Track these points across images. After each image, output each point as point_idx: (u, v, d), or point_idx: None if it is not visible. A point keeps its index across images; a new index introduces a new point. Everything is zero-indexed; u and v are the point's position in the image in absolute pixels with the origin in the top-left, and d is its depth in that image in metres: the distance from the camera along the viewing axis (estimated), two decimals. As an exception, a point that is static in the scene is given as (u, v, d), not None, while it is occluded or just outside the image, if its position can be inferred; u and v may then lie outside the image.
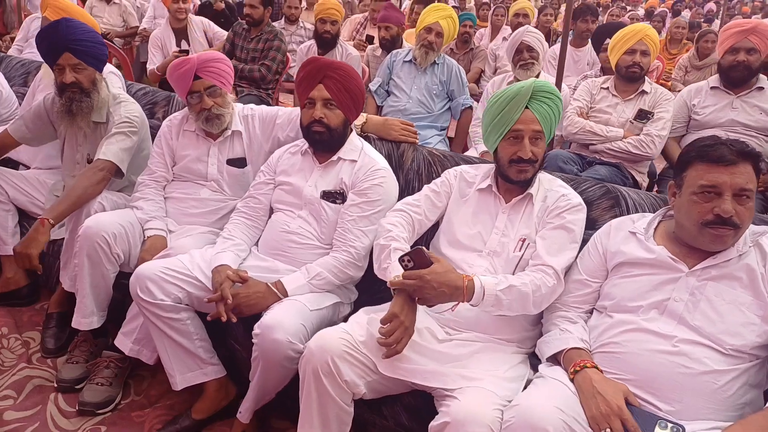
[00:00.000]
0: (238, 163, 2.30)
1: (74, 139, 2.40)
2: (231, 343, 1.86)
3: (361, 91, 1.95)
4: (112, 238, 1.98)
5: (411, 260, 1.45)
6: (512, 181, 1.67)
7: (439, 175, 2.00)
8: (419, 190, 2.02)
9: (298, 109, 2.31)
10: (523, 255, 1.60)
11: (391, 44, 3.82)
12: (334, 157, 1.93)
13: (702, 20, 9.20)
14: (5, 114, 3.01)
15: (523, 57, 3.05)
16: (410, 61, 3.45)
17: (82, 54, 2.23)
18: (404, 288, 1.47)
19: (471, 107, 3.47)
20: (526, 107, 1.64)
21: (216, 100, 2.20)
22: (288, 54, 4.24)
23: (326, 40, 3.66)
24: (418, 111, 3.37)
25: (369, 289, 1.91)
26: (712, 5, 11.64)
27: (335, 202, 1.87)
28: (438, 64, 3.42)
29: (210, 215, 2.24)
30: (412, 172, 2.04)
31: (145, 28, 6.61)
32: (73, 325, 2.01)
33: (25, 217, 2.46)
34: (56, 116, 2.37)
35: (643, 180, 2.80)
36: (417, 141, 2.16)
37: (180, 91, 2.22)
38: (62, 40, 2.20)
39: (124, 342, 1.95)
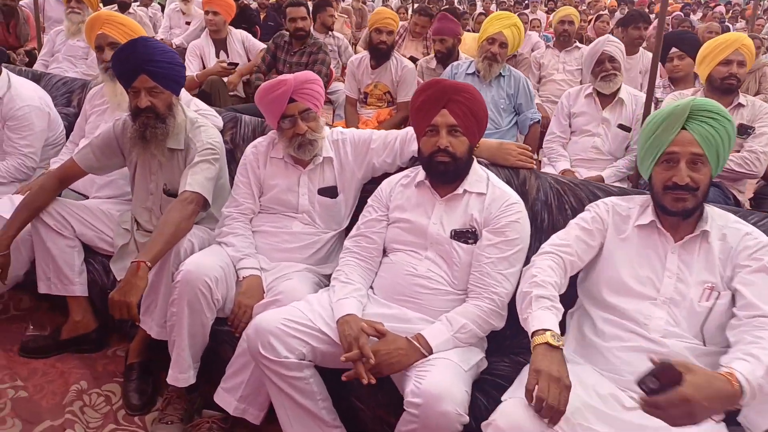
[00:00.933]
0: (330, 192, 2.10)
1: (147, 167, 2.19)
2: (353, 401, 1.67)
3: (486, 114, 1.76)
4: (214, 282, 1.79)
5: (657, 379, 1.16)
6: (669, 211, 1.48)
7: (572, 207, 1.82)
8: (549, 223, 1.85)
9: (394, 132, 2.13)
10: (713, 307, 1.41)
11: (447, 56, 3.64)
12: (459, 190, 1.74)
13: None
14: (51, 137, 2.79)
15: (605, 68, 2.88)
16: (473, 73, 3.27)
17: (159, 76, 2.03)
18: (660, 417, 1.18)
19: (539, 121, 3.30)
20: (683, 128, 1.47)
21: (310, 124, 2.01)
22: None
23: (382, 51, 3.47)
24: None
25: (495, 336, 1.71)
26: (722, 8, 11.59)
27: (468, 242, 1.68)
28: (504, 76, 3.25)
29: (303, 250, 2.05)
30: (539, 203, 1.85)
31: (163, 39, 6.41)
32: (170, 381, 1.81)
33: (90, 253, 2.25)
34: (128, 143, 2.17)
35: (745, 199, 2.64)
36: (534, 166, 1.98)
37: (271, 116, 2.03)
38: (139, 61, 2.00)
39: (227, 399, 1.75)
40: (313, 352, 1.58)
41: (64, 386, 1.99)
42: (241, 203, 2.09)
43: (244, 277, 1.90)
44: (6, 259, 2.05)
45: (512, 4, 11.31)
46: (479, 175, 1.76)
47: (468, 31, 6.49)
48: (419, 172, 1.83)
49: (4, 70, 2.69)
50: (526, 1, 12.05)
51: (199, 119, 2.21)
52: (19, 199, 2.41)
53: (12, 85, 2.67)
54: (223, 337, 1.89)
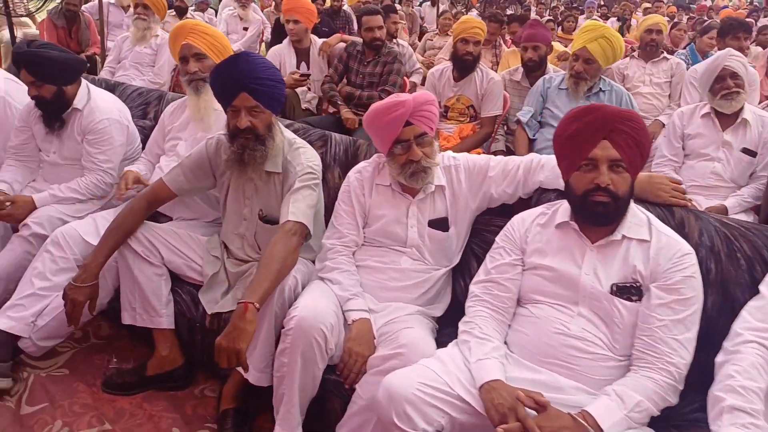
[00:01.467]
0: (441, 224, 1.90)
1: (241, 191, 2.02)
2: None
3: (650, 145, 1.52)
4: (329, 330, 1.60)
5: None
6: None
7: (746, 255, 1.56)
8: (717, 275, 1.59)
9: (515, 159, 1.90)
10: None
11: (538, 67, 3.40)
12: (616, 235, 1.49)
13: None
14: (129, 151, 2.66)
15: (727, 85, 2.59)
16: (566, 89, 3.03)
17: (261, 95, 1.86)
18: None
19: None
20: None
21: (425, 149, 1.80)
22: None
23: (467, 63, 3.25)
24: (584, 146, 2.93)
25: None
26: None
27: (632, 299, 1.44)
28: (604, 91, 2.99)
29: (413, 289, 1.84)
30: (704, 249, 1.59)
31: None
32: (277, 440, 1.62)
33: (177, 282, 2.09)
34: (221, 164, 2.01)
35: None
36: (689, 203, 1.73)
37: (382, 139, 1.83)
38: (242, 78, 1.83)
39: (340, 462, 1.55)
40: (452, 423, 1.36)
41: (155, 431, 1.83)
42: (344, 234, 1.90)
43: (353, 321, 1.71)
44: (95, 289, 1.90)
45: (562, 10, 10.95)
46: (639, 218, 1.52)
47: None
48: (559, 210, 1.60)
49: (83, 81, 2.57)
50: (581, 6, 11.66)
51: (297, 140, 2.03)
52: (102, 220, 2.29)
53: (92, 97, 2.55)
54: (330, 387, 1.70)
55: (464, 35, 3.22)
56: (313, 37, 4.03)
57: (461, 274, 1.97)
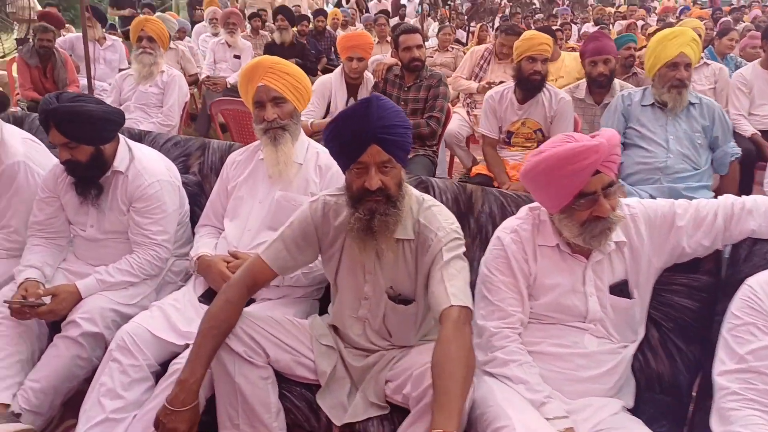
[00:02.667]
0: (622, 290, 1.56)
1: (359, 264, 1.64)
2: None
3: None
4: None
5: None
6: None
7: None
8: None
9: (709, 204, 1.58)
10: None
11: (608, 81, 3.11)
12: None
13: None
14: (181, 215, 2.22)
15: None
16: (652, 105, 2.75)
17: (393, 147, 1.49)
18: None
19: (738, 157, 2.77)
20: None
21: (612, 202, 1.46)
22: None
23: (535, 84, 2.94)
24: (683, 168, 2.65)
25: None
26: (757, 11, 11.20)
27: None
28: (694, 104, 2.72)
29: (607, 378, 1.49)
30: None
31: (208, 76, 5.88)
32: None
33: (282, 383, 1.67)
34: (332, 233, 1.63)
35: None
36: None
37: (560, 194, 1.47)
38: (373, 128, 1.45)
39: None
40: None
41: None
42: (508, 313, 1.53)
43: None
44: (196, 413, 1.48)
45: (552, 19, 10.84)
46: None
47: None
48: None
49: (120, 136, 2.13)
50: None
51: (425, 197, 1.66)
52: (171, 308, 1.85)
53: (134, 155, 2.12)
54: None
55: (531, 53, 2.92)
56: (367, 74, 3.65)
57: (639, 348, 1.62)
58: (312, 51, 7.05)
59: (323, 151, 2.11)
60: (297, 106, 2.06)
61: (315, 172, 2.05)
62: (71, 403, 1.95)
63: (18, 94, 5.24)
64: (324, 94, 3.55)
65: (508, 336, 1.50)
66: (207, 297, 1.94)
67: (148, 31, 3.73)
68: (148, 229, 2.06)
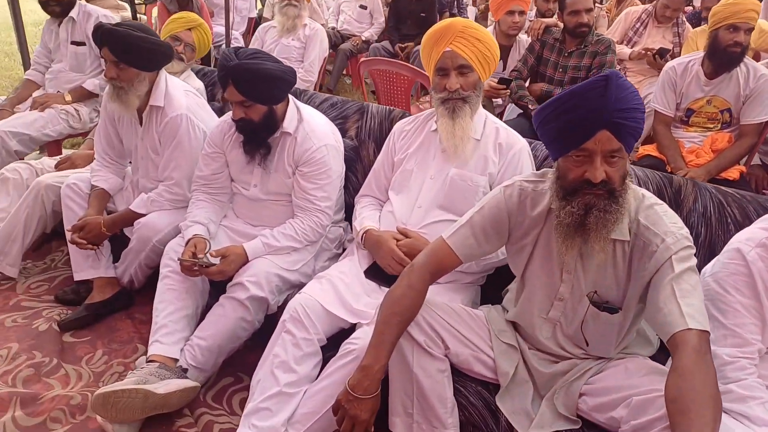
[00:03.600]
0: None
1: (557, 261, 1.45)
2: None
3: None
4: None
5: None
6: None
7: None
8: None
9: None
10: None
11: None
12: None
13: None
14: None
15: None
16: None
17: (625, 133, 1.27)
18: None
19: None
20: None
21: None
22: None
23: (733, 57, 2.53)
24: None
25: None
26: None
27: None
28: None
29: None
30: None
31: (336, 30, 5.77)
32: None
33: (457, 375, 1.56)
34: (527, 223, 1.47)
35: None
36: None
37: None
38: (608, 111, 1.24)
39: None
40: None
41: None
42: (748, 342, 1.32)
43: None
44: (377, 401, 1.40)
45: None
46: None
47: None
48: None
49: (290, 97, 2.06)
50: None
51: (645, 192, 1.43)
52: (339, 281, 1.78)
53: (303, 117, 2.04)
54: None
55: (734, 20, 2.50)
56: (520, 35, 3.35)
57: None
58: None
59: (503, 127, 1.92)
60: (482, 76, 1.87)
61: (494, 150, 1.87)
62: (227, 362, 1.97)
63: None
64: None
65: (745, 368, 1.27)
66: (372, 273, 1.86)
67: (294, -19, 3.65)
68: (312, 194, 1.99)
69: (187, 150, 2.22)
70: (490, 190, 1.84)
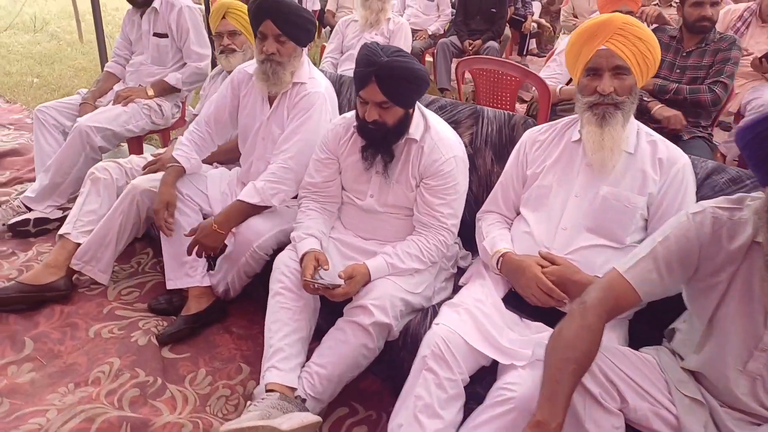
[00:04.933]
0: None
1: (761, 306, 1.24)
2: None
3: None
4: None
5: None
6: None
7: None
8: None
9: None
10: None
11: None
12: None
13: None
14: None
15: None
16: None
17: None
18: None
19: None
20: None
21: None
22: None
23: None
24: None
25: None
26: None
27: None
28: None
29: None
30: None
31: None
32: None
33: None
34: (723, 257, 1.27)
35: None
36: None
37: None
38: None
39: None
40: None
41: None
42: None
43: None
44: None
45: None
46: None
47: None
48: None
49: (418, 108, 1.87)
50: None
51: None
52: (478, 311, 1.60)
53: (429, 124, 1.86)
54: None
55: None
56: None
57: None
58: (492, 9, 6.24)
59: (660, 139, 1.70)
60: (638, 81, 1.65)
61: (653, 167, 1.65)
62: (343, 391, 1.82)
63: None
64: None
65: None
66: (511, 301, 1.67)
67: (380, -29, 3.46)
68: (438, 210, 1.81)
69: (312, 129, 2.09)
70: (648, 212, 1.64)
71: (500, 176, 1.92)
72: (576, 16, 6.02)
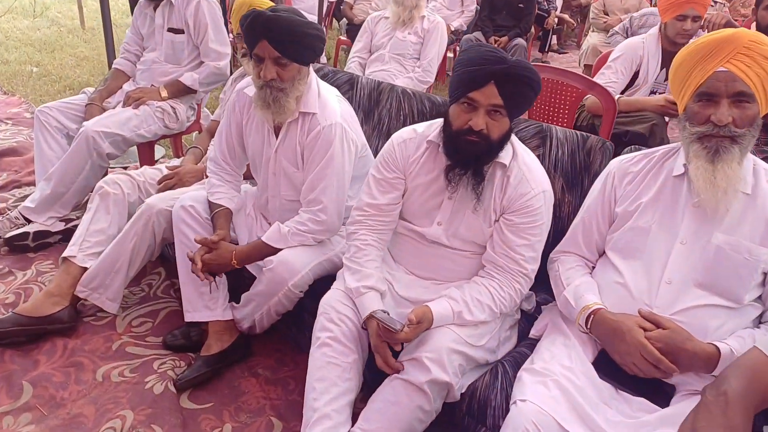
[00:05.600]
0: None
1: None
2: None
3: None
4: None
5: None
6: None
7: None
8: None
9: None
10: None
11: None
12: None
13: None
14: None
15: None
16: None
17: None
18: None
19: None
20: None
21: None
22: None
23: None
24: None
25: None
26: None
27: None
28: None
29: None
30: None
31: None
32: None
33: None
34: None
35: None
36: None
37: None
38: None
39: None
40: None
41: None
42: None
43: None
44: None
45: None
46: None
47: None
48: None
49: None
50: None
51: None
52: (564, 379, 1.34)
53: (517, 150, 1.59)
54: None
55: None
56: None
57: None
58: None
59: (781, 174, 1.43)
60: (762, 109, 1.38)
61: (780, 211, 1.38)
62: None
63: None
64: (633, 59, 2.77)
65: None
66: (604, 368, 1.40)
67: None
68: (519, 252, 1.55)
69: (339, 168, 1.80)
70: None
71: (580, 211, 1.65)
72: (606, 14, 5.74)
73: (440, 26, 3.20)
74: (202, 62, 2.84)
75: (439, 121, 1.65)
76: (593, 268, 1.62)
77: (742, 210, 1.40)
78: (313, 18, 5.32)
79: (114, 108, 2.73)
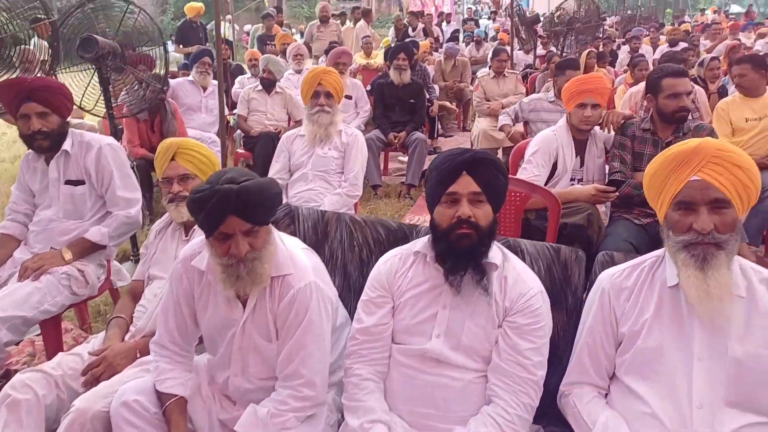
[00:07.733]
0: None
1: None
2: None
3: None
4: None
5: None
6: None
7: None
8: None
9: None
10: None
11: None
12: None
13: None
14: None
15: None
16: None
17: None
18: None
19: None
20: None
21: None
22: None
23: None
24: None
25: None
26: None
27: None
28: None
29: None
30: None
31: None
32: None
33: None
34: None
35: None
36: None
37: None
38: None
39: None
40: None
41: None
42: None
43: None
44: None
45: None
46: None
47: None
48: None
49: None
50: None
51: None
52: None
53: (506, 255, 1.52)
54: None
55: None
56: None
57: None
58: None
59: (771, 275, 1.45)
60: (739, 212, 1.41)
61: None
62: None
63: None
64: (549, 152, 2.88)
65: None
66: None
67: (326, 85, 3.12)
68: (527, 357, 1.45)
69: (318, 333, 1.58)
70: None
71: (579, 334, 1.57)
72: (488, 100, 6.16)
73: (359, 137, 3.17)
74: (108, 212, 2.52)
75: (424, 237, 1.63)
76: (606, 394, 1.53)
77: (745, 315, 1.38)
78: (210, 135, 5.15)
79: (6, 283, 2.30)
